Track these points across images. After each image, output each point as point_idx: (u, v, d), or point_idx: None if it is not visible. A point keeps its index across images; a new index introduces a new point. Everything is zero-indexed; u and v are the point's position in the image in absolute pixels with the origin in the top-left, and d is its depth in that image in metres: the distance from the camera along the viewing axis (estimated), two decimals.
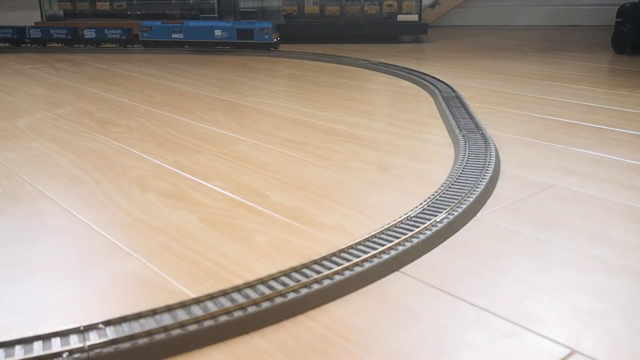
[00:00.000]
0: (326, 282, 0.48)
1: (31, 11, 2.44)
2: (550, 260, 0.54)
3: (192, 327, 0.42)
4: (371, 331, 0.44)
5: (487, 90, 1.31)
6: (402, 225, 0.58)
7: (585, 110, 1.11)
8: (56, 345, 0.40)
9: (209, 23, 1.93)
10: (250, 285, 0.47)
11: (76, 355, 0.39)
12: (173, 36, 1.93)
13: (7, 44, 2.05)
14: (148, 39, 1.96)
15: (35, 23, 2.28)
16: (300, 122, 1.03)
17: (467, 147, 0.82)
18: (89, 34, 1.98)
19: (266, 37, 1.88)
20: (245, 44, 1.90)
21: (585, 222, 0.62)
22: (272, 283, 0.47)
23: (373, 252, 0.52)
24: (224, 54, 1.92)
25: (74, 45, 2.02)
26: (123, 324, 0.42)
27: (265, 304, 0.45)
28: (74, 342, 0.40)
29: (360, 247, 0.54)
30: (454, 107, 1.08)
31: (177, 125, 1.03)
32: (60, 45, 2.04)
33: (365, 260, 0.51)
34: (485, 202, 0.67)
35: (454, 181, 0.69)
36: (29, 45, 2.05)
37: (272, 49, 1.90)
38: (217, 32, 1.88)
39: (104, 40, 1.99)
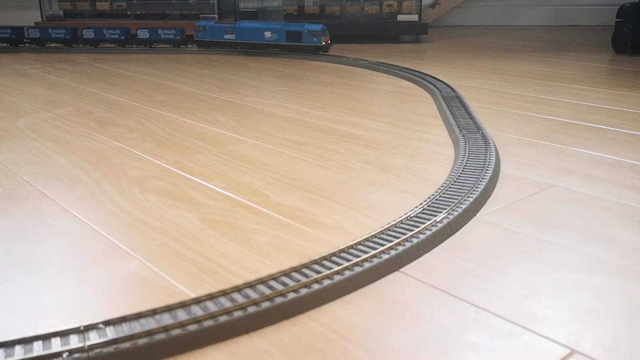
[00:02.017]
0: (326, 282, 0.48)
1: (31, 11, 2.44)
2: (550, 260, 0.54)
3: (192, 327, 0.42)
4: (371, 331, 0.44)
5: (487, 90, 1.31)
6: (402, 225, 0.58)
7: (585, 110, 1.11)
8: (56, 345, 0.40)
9: (260, 24, 1.87)
10: (250, 285, 0.47)
11: (76, 355, 0.39)
12: (225, 37, 1.89)
13: (59, 44, 2.03)
14: (202, 39, 1.93)
15: (35, 23, 2.28)
16: (300, 122, 1.03)
17: (467, 147, 0.82)
18: (143, 34, 1.96)
19: (314, 40, 1.78)
20: (293, 46, 1.83)
21: (585, 222, 0.62)
22: (272, 283, 0.47)
23: (373, 252, 0.52)
24: (229, 54, 1.92)
25: (126, 46, 2.00)
26: (123, 324, 0.42)
27: (265, 304, 0.45)
28: (74, 342, 0.40)
29: (360, 247, 0.54)
30: (454, 107, 1.08)
31: (177, 125, 1.03)
32: (112, 45, 2.02)
33: (365, 260, 0.51)
34: (485, 202, 0.67)
35: (454, 181, 0.69)
36: (80, 46, 2.03)
37: (320, 53, 1.80)
38: (267, 34, 1.82)
39: (158, 40, 1.97)
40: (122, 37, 1.97)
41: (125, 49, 1.99)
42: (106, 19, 2.32)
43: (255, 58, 1.85)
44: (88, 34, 1.99)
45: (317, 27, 1.80)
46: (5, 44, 2.05)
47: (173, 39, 1.96)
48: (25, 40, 2.03)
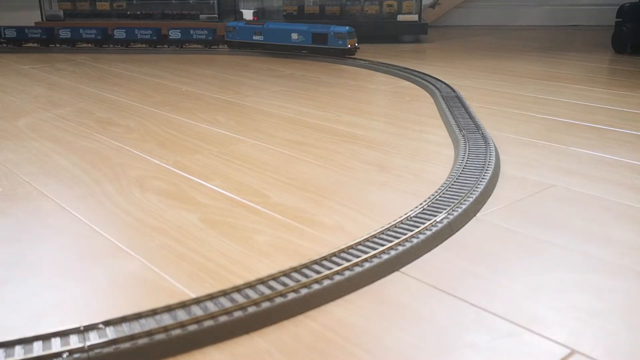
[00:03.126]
0: (326, 282, 0.48)
1: (31, 11, 2.44)
2: (550, 260, 0.54)
3: (192, 327, 0.42)
4: (371, 331, 0.44)
5: (487, 90, 1.31)
6: (402, 225, 0.58)
7: (585, 110, 1.11)
8: (56, 345, 0.40)
9: (287, 25, 1.82)
10: (250, 285, 0.47)
11: (76, 355, 0.39)
12: (254, 38, 1.85)
13: (90, 44, 2.01)
14: (232, 39, 1.90)
15: (35, 23, 2.28)
16: (300, 122, 1.03)
17: (467, 147, 0.82)
18: (174, 34, 1.95)
19: (340, 42, 1.71)
20: (320, 49, 1.76)
21: (585, 222, 0.62)
22: (272, 283, 0.47)
23: (373, 252, 0.52)
24: (223, 53, 1.92)
25: (157, 46, 1.98)
26: (123, 324, 0.42)
27: (265, 304, 0.45)
28: (74, 342, 0.40)
29: (360, 247, 0.54)
30: (454, 107, 1.08)
31: (177, 125, 1.03)
32: (144, 45, 1.99)
33: (365, 260, 0.51)
34: (485, 202, 0.67)
35: (454, 181, 0.69)
36: (111, 46, 2.01)
37: (346, 56, 1.73)
38: (294, 36, 1.78)
39: (189, 40, 1.95)
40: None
41: (127, 49, 1.99)
42: (106, 19, 2.32)
43: (255, 58, 1.85)
44: (119, 34, 1.97)
45: (343, 29, 1.73)
46: (35, 44, 2.02)
47: (205, 39, 1.94)
48: (55, 40, 2.00)
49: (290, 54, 1.84)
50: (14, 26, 2.03)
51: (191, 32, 1.94)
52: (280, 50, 1.84)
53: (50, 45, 2.02)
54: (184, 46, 1.97)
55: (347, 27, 1.74)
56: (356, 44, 1.74)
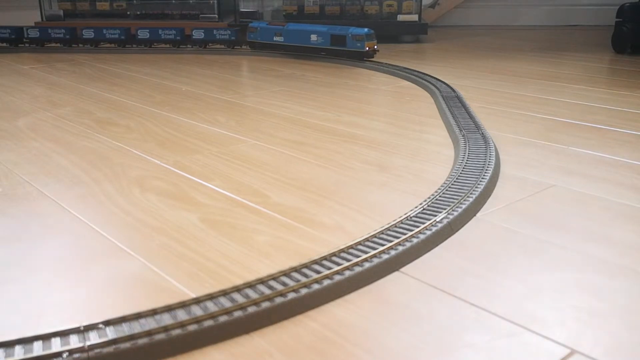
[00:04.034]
0: (326, 282, 0.48)
1: (31, 11, 2.44)
2: (550, 260, 0.54)
3: (192, 327, 0.42)
4: (371, 331, 0.44)
5: (487, 90, 1.31)
6: (402, 225, 0.58)
7: (585, 110, 1.11)
8: (56, 345, 0.40)
9: (307, 26, 1.77)
10: (250, 285, 0.47)
11: (76, 355, 0.39)
12: (275, 39, 1.81)
13: (114, 45, 2.00)
14: (254, 40, 1.87)
15: (35, 23, 2.28)
16: (300, 122, 1.03)
17: (467, 147, 0.82)
18: (198, 34, 1.94)
19: (358, 44, 1.65)
20: (338, 51, 1.70)
21: (585, 222, 0.62)
22: (272, 283, 0.47)
23: (373, 252, 0.52)
24: (225, 53, 1.92)
25: (180, 47, 1.96)
26: (123, 324, 0.42)
27: (265, 304, 0.45)
28: (74, 342, 0.40)
29: (360, 247, 0.54)
30: (454, 107, 1.08)
31: (177, 125, 1.03)
32: (168, 46, 1.98)
33: (365, 260, 0.51)
34: (485, 202, 0.67)
35: (454, 181, 0.69)
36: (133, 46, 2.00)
37: (364, 59, 1.66)
38: (313, 37, 1.72)
39: (213, 41, 1.94)
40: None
41: (125, 49, 1.99)
42: (106, 19, 2.32)
43: (256, 58, 1.85)
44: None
45: (362, 30, 1.66)
46: (58, 44, 2.01)
47: (228, 40, 1.93)
48: (79, 40, 1.99)
49: (306, 55, 1.80)
50: (37, 26, 2.02)
51: (214, 32, 1.92)
52: (299, 52, 1.79)
53: (73, 46, 2.01)
54: (206, 47, 1.96)
55: (366, 29, 1.66)
56: (375, 47, 1.68)
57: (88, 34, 1.99)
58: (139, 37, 1.97)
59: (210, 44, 1.96)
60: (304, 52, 1.79)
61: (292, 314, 0.46)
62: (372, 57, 1.68)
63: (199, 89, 1.35)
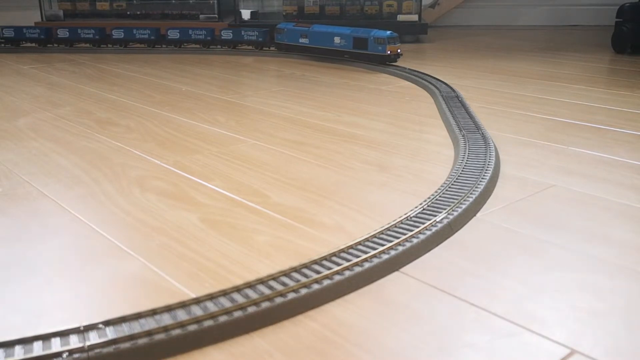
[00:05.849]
0: (326, 282, 0.48)
1: (31, 11, 2.44)
2: (550, 260, 0.54)
3: (192, 327, 0.42)
4: (371, 331, 0.44)
5: (487, 90, 1.31)
6: (402, 225, 0.58)
7: (585, 110, 1.11)
8: (56, 345, 0.40)
9: (330, 28, 1.71)
10: (250, 285, 0.47)
11: (76, 355, 0.39)
12: (300, 41, 1.76)
13: (144, 45, 1.98)
14: (280, 41, 1.82)
15: (35, 23, 2.28)
16: (300, 122, 1.03)
17: (467, 147, 0.82)
18: (227, 34, 1.92)
19: (379, 48, 1.57)
20: (360, 54, 1.63)
21: (585, 222, 0.62)
22: (272, 283, 0.47)
23: (373, 252, 0.52)
24: (225, 53, 1.92)
25: (210, 47, 1.95)
26: (123, 324, 0.42)
27: (265, 304, 0.45)
28: (74, 342, 0.40)
29: (360, 247, 0.54)
30: (454, 107, 1.08)
31: (177, 125, 1.03)
32: (198, 46, 1.96)
33: (365, 260, 0.51)
34: (485, 202, 0.67)
35: (454, 181, 0.69)
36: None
37: (387, 63, 1.59)
38: (336, 39, 1.67)
39: (242, 41, 1.92)
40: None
41: (126, 48, 1.99)
42: (106, 19, 2.32)
43: (256, 58, 1.85)
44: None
45: (384, 33, 1.58)
46: (88, 45, 1.99)
47: (256, 41, 1.92)
48: (108, 41, 1.98)
49: (329, 58, 1.75)
50: (67, 26, 2.01)
51: (242, 32, 1.91)
52: (323, 54, 1.74)
53: (102, 46, 1.99)
54: (236, 47, 1.95)
55: (389, 32, 1.59)
56: (399, 50, 1.60)
57: (118, 34, 1.98)
58: (169, 37, 1.96)
59: (239, 45, 1.94)
60: (327, 54, 1.73)
61: (292, 314, 0.46)
62: (395, 62, 1.60)
63: (198, 89, 1.35)
